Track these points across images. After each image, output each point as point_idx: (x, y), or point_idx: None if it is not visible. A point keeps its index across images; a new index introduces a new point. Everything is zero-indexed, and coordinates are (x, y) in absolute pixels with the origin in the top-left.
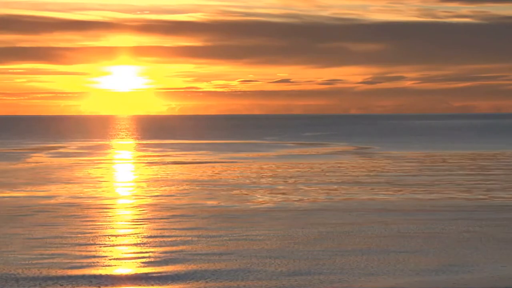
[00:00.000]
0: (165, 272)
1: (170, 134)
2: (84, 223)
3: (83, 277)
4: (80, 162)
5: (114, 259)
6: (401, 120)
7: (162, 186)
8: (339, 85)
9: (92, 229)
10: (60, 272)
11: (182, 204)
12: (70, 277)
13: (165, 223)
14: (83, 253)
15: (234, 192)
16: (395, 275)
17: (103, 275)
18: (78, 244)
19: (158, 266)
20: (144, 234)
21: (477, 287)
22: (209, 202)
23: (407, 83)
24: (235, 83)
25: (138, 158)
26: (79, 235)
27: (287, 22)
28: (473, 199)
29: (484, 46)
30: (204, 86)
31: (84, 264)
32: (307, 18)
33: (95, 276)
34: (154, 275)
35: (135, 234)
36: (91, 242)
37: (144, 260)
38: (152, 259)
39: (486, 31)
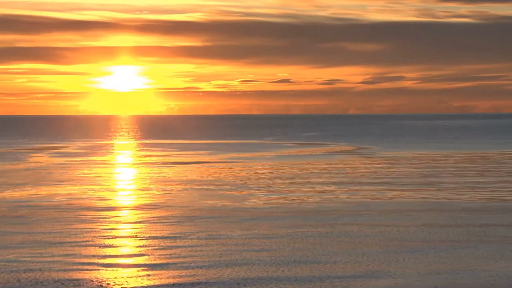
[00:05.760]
0: (165, 272)
1: (169, 134)
2: (85, 223)
3: (84, 277)
4: (81, 162)
5: (114, 259)
6: (400, 120)
7: (161, 186)
8: (338, 85)
9: (92, 229)
10: (61, 273)
11: (181, 205)
12: (71, 277)
13: (164, 224)
14: (84, 254)
15: (234, 192)
16: (395, 275)
17: (104, 275)
18: (79, 244)
19: (159, 266)
20: (144, 235)
21: (477, 286)
22: (209, 203)
23: (407, 83)
24: (235, 83)
25: (138, 158)
26: (80, 235)
27: (286, 22)
28: (472, 199)
29: (484, 46)
30: (204, 86)
31: (85, 265)
32: (306, 18)
33: (96, 276)
34: (155, 275)
35: (135, 234)
36: (91, 242)
37: (144, 260)
38: (152, 260)
39: (485, 31)
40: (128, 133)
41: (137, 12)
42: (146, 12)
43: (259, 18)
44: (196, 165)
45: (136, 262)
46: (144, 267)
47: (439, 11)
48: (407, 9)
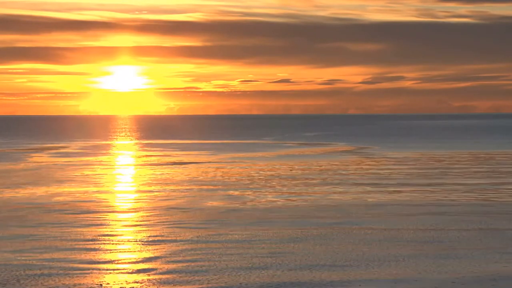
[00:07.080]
0: (166, 273)
1: (170, 134)
2: (85, 224)
3: (85, 281)
4: (81, 162)
5: (114, 260)
6: (400, 120)
7: (163, 188)
8: (338, 85)
9: (92, 230)
10: (61, 273)
11: (182, 205)
12: (71, 280)
13: (165, 224)
14: (84, 254)
15: (234, 192)
16: (395, 276)
17: (104, 276)
18: (79, 244)
19: (159, 267)
20: (144, 236)
21: (477, 287)
22: (209, 203)
23: (407, 83)
24: (234, 83)
25: (139, 158)
26: (80, 236)
27: (286, 22)
28: (472, 199)
29: (484, 46)
30: (204, 86)
31: (85, 265)
32: (306, 18)
33: (96, 279)
34: (155, 276)
35: (135, 235)
36: (91, 243)
37: (144, 262)
38: (152, 261)
39: (485, 31)
40: (128, 133)
41: (137, 12)
42: (146, 12)
43: (259, 18)
44: (197, 166)
45: (136, 263)
46: (144, 268)
47: (439, 11)
48: (407, 9)
